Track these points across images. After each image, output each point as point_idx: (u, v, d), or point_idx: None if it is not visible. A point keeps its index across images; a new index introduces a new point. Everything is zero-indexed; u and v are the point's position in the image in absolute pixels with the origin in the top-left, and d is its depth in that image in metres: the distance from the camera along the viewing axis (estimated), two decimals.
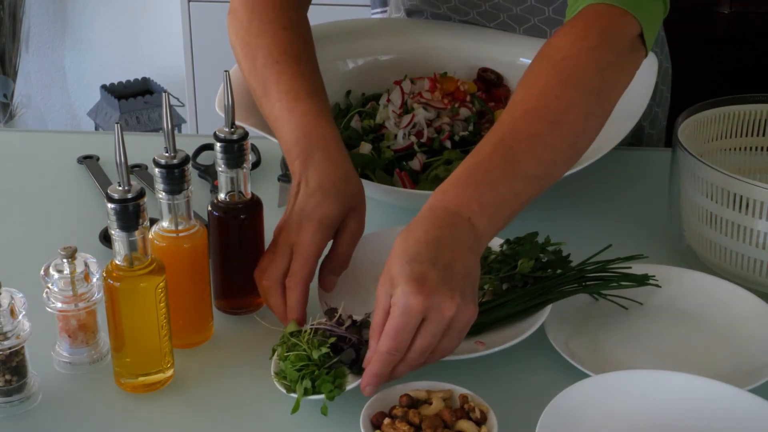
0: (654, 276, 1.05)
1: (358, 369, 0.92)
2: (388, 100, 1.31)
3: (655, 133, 1.50)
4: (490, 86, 1.39)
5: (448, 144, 1.25)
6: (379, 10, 1.70)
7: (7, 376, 0.92)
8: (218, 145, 0.99)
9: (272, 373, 0.93)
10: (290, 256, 0.98)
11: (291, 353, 0.91)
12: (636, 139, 1.46)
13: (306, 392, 0.90)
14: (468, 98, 1.33)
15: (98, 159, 1.35)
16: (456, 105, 1.31)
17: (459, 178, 0.94)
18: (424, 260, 0.87)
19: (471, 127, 1.27)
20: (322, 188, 1.00)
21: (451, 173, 0.95)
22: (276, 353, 0.94)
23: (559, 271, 1.04)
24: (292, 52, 1.11)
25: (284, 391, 0.91)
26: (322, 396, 0.90)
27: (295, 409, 0.90)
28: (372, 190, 1.19)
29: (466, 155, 1.21)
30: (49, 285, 0.95)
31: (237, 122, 1.00)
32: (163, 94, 0.91)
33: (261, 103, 1.11)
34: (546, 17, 1.37)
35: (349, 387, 0.90)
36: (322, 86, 1.11)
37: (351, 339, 0.92)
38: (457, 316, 0.87)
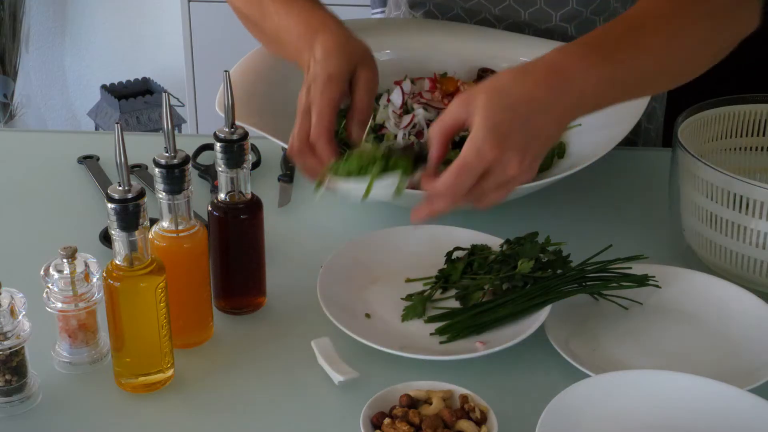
0: (654, 276, 1.05)
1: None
2: (389, 100, 1.31)
3: (653, 128, 1.50)
4: None
5: None
6: (379, 10, 1.70)
7: (7, 376, 0.92)
8: (218, 145, 0.99)
9: (329, 178, 0.97)
10: (310, 119, 1.03)
11: (355, 152, 0.95)
12: (634, 134, 1.46)
13: (381, 170, 0.94)
14: None
15: (98, 159, 1.35)
16: None
17: (589, 46, 0.96)
18: (517, 116, 0.90)
19: None
20: (326, 52, 1.05)
21: (583, 36, 0.98)
22: (329, 172, 0.98)
23: (559, 271, 1.04)
24: None
25: (348, 187, 0.95)
26: (391, 184, 0.95)
27: (367, 193, 0.95)
28: None
29: None
30: (49, 285, 0.95)
31: (237, 122, 1.00)
32: (163, 94, 0.91)
33: (262, 28, 1.18)
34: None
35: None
36: None
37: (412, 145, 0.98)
38: (516, 178, 0.92)
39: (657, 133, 1.53)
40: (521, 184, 0.94)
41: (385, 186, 0.95)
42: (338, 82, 1.04)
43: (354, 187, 0.95)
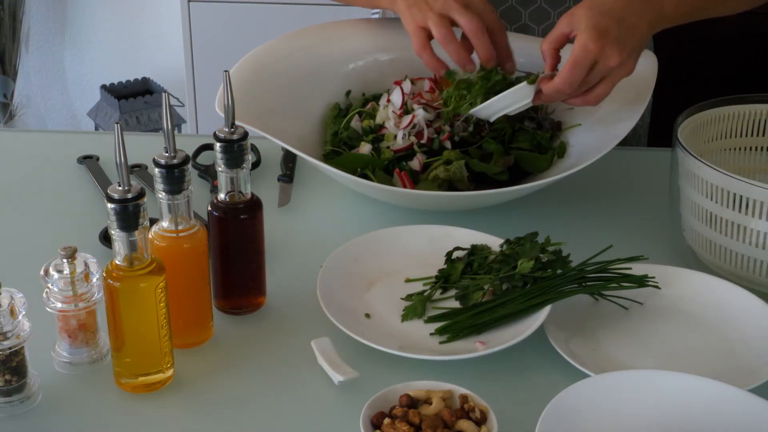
0: (654, 277, 1.05)
1: None
2: (389, 101, 1.31)
3: (641, 125, 1.51)
4: None
5: (448, 144, 1.25)
6: (378, 10, 1.70)
7: (7, 376, 0.92)
8: (218, 145, 0.99)
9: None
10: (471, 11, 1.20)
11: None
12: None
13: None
14: None
15: (98, 159, 1.35)
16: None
17: None
18: (612, 17, 1.10)
19: (471, 128, 1.27)
20: None
21: None
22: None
23: (559, 271, 1.04)
24: None
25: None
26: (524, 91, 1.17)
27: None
28: (372, 190, 1.19)
29: (466, 155, 1.22)
30: (49, 285, 0.95)
31: (237, 122, 1.00)
32: (163, 94, 0.91)
33: None
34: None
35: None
36: None
37: None
38: (617, 69, 1.11)
39: (644, 131, 1.53)
40: (623, 75, 1.12)
41: (520, 92, 1.17)
42: None
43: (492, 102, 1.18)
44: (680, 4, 1.16)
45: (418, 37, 1.23)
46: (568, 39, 1.13)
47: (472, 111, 1.21)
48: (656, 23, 1.14)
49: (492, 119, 1.22)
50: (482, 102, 1.21)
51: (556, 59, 1.17)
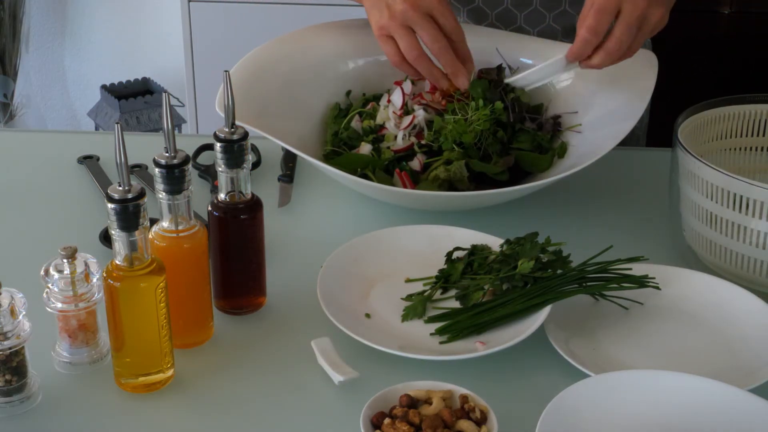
0: (654, 277, 1.05)
1: None
2: (389, 101, 1.31)
3: (640, 127, 1.51)
4: None
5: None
6: None
7: (7, 376, 0.92)
8: (218, 145, 0.99)
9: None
10: (432, 23, 1.18)
11: None
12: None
13: None
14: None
15: (98, 159, 1.35)
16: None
17: None
18: None
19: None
20: None
21: None
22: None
23: (559, 271, 1.04)
24: None
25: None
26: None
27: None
28: (372, 190, 1.19)
29: (466, 156, 1.22)
30: (49, 285, 0.95)
31: (237, 122, 1.00)
32: (163, 94, 0.91)
33: None
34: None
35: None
36: None
37: None
38: (648, 14, 1.10)
39: (642, 132, 1.53)
40: (657, 24, 1.12)
41: (554, 66, 1.21)
42: None
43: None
44: None
45: (387, 48, 1.22)
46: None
47: (508, 80, 1.26)
48: None
49: (527, 89, 1.27)
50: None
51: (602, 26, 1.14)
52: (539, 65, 1.23)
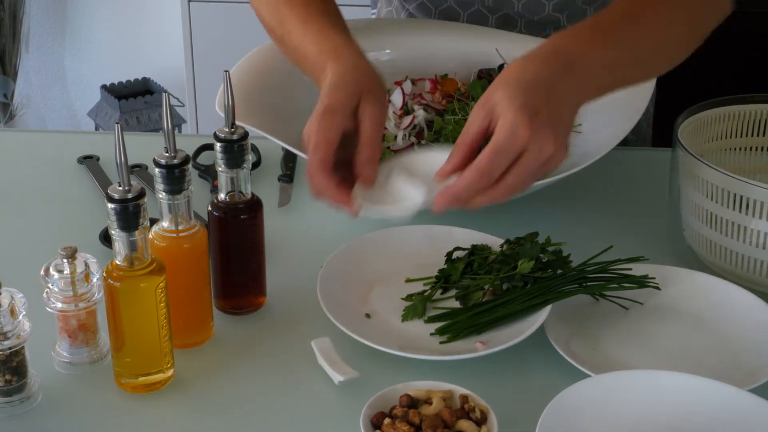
0: (654, 277, 1.05)
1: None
2: (389, 101, 1.31)
3: (644, 119, 1.51)
4: None
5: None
6: (376, 9, 1.69)
7: (7, 376, 0.92)
8: (218, 145, 0.99)
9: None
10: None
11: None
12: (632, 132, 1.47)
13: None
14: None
15: (98, 159, 1.35)
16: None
17: (591, 31, 0.97)
18: (540, 95, 0.89)
19: None
20: (330, 84, 1.00)
21: (580, 22, 0.99)
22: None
23: (559, 271, 1.04)
24: (316, 5, 1.14)
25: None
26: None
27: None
28: None
29: None
30: (49, 285, 0.95)
31: (237, 122, 1.00)
32: (163, 94, 0.91)
33: (283, 42, 1.15)
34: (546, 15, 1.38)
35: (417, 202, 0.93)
36: (337, 10, 1.14)
37: None
38: (553, 158, 0.91)
39: (647, 132, 1.53)
40: (559, 163, 0.92)
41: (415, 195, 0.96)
42: (335, 114, 0.97)
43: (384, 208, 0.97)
44: (606, 81, 0.96)
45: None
46: (488, 133, 0.91)
47: (366, 212, 0.98)
48: (583, 102, 0.94)
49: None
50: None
51: (466, 159, 0.92)
52: (398, 206, 0.97)
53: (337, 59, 1.04)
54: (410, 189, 0.95)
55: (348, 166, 0.98)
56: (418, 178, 0.96)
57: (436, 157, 0.97)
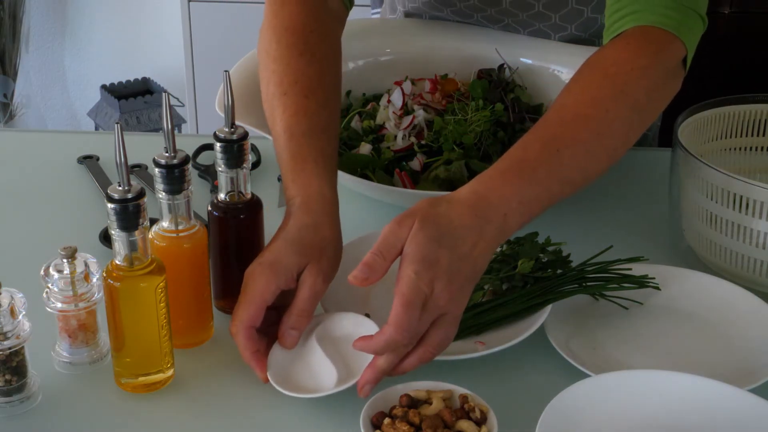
0: (654, 277, 1.05)
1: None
2: (389, 101, 1.31)
3: (650, 132, 1.50)
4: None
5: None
6: (379, 10, 1.70)
7: (7, 376, 0.92)
8: (218, 145, 0.99)
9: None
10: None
11: None
12: None
13: None
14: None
15: (98, 159, 1.35)
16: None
17: (507, 170, 0.95)
18: (445, 244, 0.89)
19: None
20: (286, 234, 0.96)
21: (496, 162, 0.96)
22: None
23: (559, 271, 1.04)
24: (302, 82, 1.07)
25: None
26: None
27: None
28: (372, 190, 1.19)
29: (466, 156, 1.22)
30: (49, 285, 0.95)
31: (237, 122, 1.00)
32: (163, 94, 0.91)
33: (270, 128, 1.09)
34: (552, 23, 1.37)
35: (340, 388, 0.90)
36: (329, 120, 1.07)
37: None
38: (447, 309, 0.89)
39: (654, 134, 1.53)
40: (454, 316, 0.90)
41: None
42: (279, 276, 0.93)
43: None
44: (525, 215, 0.94)
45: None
46: (399, 253, 0.90)
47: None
48: (495, 242, 0.92)
49: None
50: None
51: (378, 272, 0.91)
52: (310, 385, 0.93)
53: (299, 211, 0.99)
54: (325, 365, 0.93)
55: (278, 313, 0.95)
56: (334, 350, 0.95)
57: (351, 324, 0.97)
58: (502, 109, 1.27)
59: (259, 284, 0.93)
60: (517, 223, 0.93)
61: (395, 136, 1.26)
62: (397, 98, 1.30)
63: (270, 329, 0.95)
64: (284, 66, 1.09)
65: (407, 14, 1.49)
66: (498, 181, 0.94)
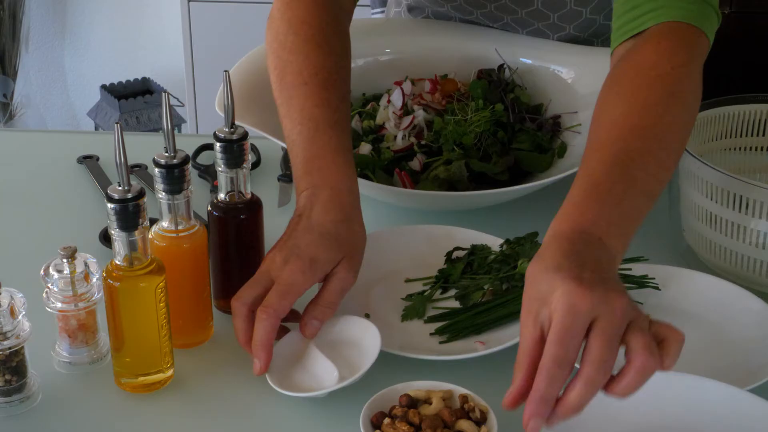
0: (654, 277, 1.05)
1: None
2: (389, 101, 1.31)
3: None
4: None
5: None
6: (379, 9, 1.70)
7: (7, 376, 0.92)
8: (218, 145, 0.99)
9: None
10: (269, 286, 0.94)
11: None
12: None
13: None
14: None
15: (98, 159, 1.35)
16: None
17: (581, 200, 0.86)
18: (572, 265, 0.78)
19: None
20: (321, 227, 0.96)
21: (567, 197, 0.87)
22: None
23: None
24: (322, 74, 1.07)
25: None
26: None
27: None
28: (372, 190, 1.19)
29: (466, 157, 1.22)
30: (49, 285, 0.95)
31: (237, 122, 1.00)
32: (163, 94, 0.91)
33: (282, 120, 1.08)
34: (550, 23, 1.37)
35: None
36: (347, 115, 1.07)
37: None
38: (629, 311, 0.77)
39: None
40: (645, 321, 0.79)
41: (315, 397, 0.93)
42: (318, 271, 0.94)
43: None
44: (623, 235, 0.87)
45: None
46: (543, 342, 0.77)
47: None
48: (612, 266, 0.84)
49: None
50: None
51: (530, 375, 0.78)
52: (311, 385, 0.93)
53: (335, 202, 0.98)
54: (325, 366, 0.93)
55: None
56: (333, 351, 0.95)
57: (351, 326, 0.97)
58: (502, 109, 1.27)
59: (298, 278, 0.93)
60: (619, 243, 0.85)
61: (395, 136, 1.26)
62: (397, 98, 1.30)
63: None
64: (303, 57, 1.09)
65: (410, 8, 1.49)
66: (575, 213, 0.85)
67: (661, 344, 0.78)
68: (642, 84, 0.96)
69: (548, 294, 0.77)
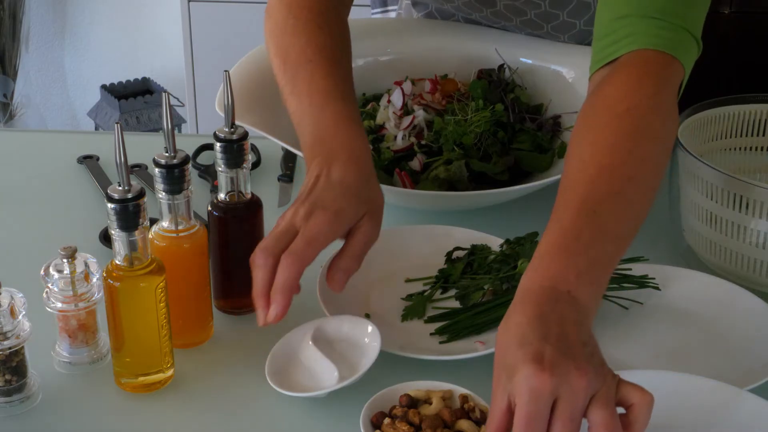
0: (654, 277, 1.05)
1: None
2: (389, 101, 1.31)
3: None
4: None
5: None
6: (379, 10, 1.69)
7: (7, 376, 0.92)
8: (218, 145, 0.99)
9: None
10: (293, 238, 0.92)
11: None
12: None
13: None
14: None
15: (98, 159, 1.35)
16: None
17: (547, 251, 0.85)
18: (534, 339, 0.77)
19: None
20: (343, 183, 0.96)
21: (537, 246, 0.86)
22: None
23: None
24: (325, 52, 1.08)
25: None
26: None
27: None
28: None
29: (466, 157, 1.22)
30: (49, 285, 0.95)
31: (237, 122, 1.00)
32: (163, 94, 0.91)
33: (287, 99, 1.08)
34: (545, 32, 1.37)
35: None
36: (353, 90, 1.08)
37: None
38: (591, 386, 0.76)
39: None
40: (611, 389, 0.78)
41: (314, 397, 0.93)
42: (343, 224, 0.94)
43: None
44: (592, 284, 0.84)
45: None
46: (512, 410, 0.77)
47: None
48: (583, 319, 0.82)
49: None
50: None
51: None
52: (310, 386, 0.93)
53: (354, 163, 0.98)
54: (325, 366, 0.93)
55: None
56: (333, 351, 0.95)
57: (350, 326, 0.97)
58: (502, 110, 1.27)
59: (324, 228, 0.92)
60: (589, 294, 0.83)
61: (395, 136, 1.26)
62: (397, 98, 1.30)
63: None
64: (306, 39, 1.09)
65: (414, 2, 1.49)
66: (543, 266, 0.84)
67: (630, 409, 0.78)
68: (611, 119, 0.93)
69: (512, 370, 0.77)
